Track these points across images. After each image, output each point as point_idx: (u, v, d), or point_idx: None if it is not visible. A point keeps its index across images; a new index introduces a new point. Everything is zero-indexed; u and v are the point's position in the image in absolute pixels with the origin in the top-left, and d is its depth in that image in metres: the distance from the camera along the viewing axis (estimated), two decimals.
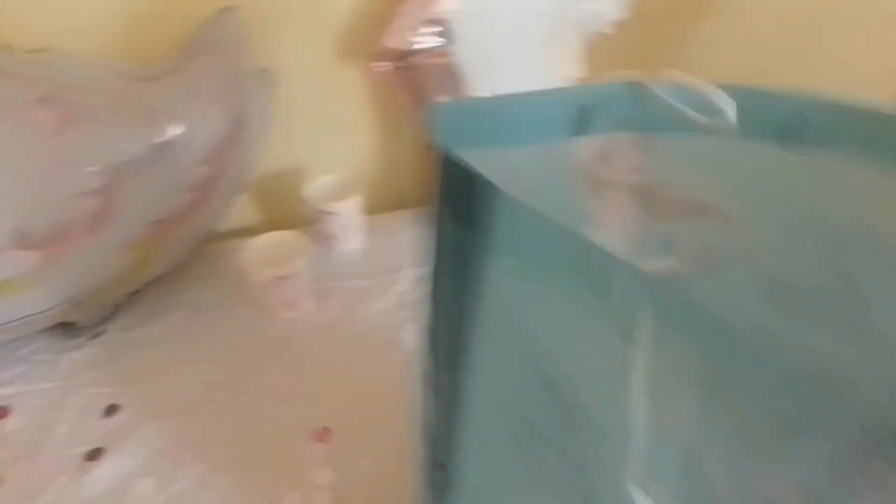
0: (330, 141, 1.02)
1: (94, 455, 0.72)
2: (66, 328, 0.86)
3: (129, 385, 0.80)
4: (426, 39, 0.87)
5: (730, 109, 0.35)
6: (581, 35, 0.88)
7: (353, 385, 0.78)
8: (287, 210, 1.02)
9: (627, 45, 0.87)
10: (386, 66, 0.89)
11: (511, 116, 0.34)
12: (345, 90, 0.98)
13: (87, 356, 0.85)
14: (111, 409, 0.77)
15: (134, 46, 0.82)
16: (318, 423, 0.74)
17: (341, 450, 0.72)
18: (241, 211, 1.02)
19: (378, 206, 1.00)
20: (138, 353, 0.85)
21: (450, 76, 0.89)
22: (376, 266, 0.95)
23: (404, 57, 0.88)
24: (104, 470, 0.71)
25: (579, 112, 0.32)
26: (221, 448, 0.72)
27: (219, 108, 0.79)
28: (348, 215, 0.95)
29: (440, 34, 0.87)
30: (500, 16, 0.84)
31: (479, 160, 0.30)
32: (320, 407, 0.76)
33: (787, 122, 0.34)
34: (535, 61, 0.87)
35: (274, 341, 0.85)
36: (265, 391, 0.79)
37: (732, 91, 0.35)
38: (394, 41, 0.87)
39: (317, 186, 0.96)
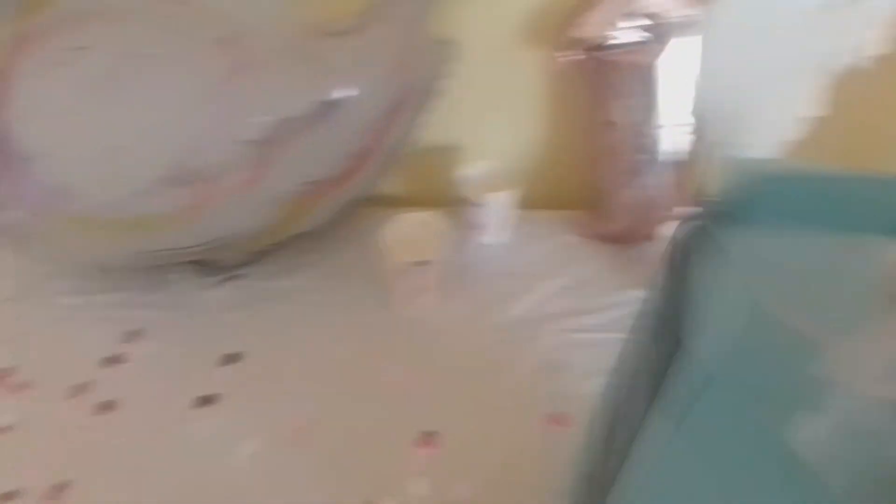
0: (493, 125, 0.95)
1: (206, 401, 0.73)
2: (206, 266, 0.88)
3: (253, 337, 0.80)
4: (625, 34, 0.78)
5: None
6: (830, 70, 0.74)
7: (469, 393, 0.73)
8: (435, 188, 0.97)
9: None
10: (575, 56, 0.81)
11: (837, 194, 0.26)
12: (520, 75, 0.90)
13: (221, 297, 0.86)
14: (231, 358, 0.77)
15: None
16: (427, 427, 0.70)
17: (444, 463, 0.67)
18: (390, 180, 0.98)
19: (530, 201, 0.93)
20: (268, 306, 0.84)
21: (643, 77, 0.79)
22: (517, 267, 0.89)
23: (597, 49, 0.79)
24: (211, 420, 0.71)
25: None
26: (327, 430, 0.70)
27: (393, 78, 0.75)
28: (499, 209, 0.89)
29: (644, 30, 0.77)
30: (750, 33, 0.72)
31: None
32: (432, 408, 0.72)
33: None
34: (775, 90, 0.75)
35: (399, 326, 0.81)
36: (381, 377, 0.75)
37: None
38: (589, 31, 0.78)
39: (471, 172, 0.90)
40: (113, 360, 0.78)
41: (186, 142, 0.70)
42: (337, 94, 0.72)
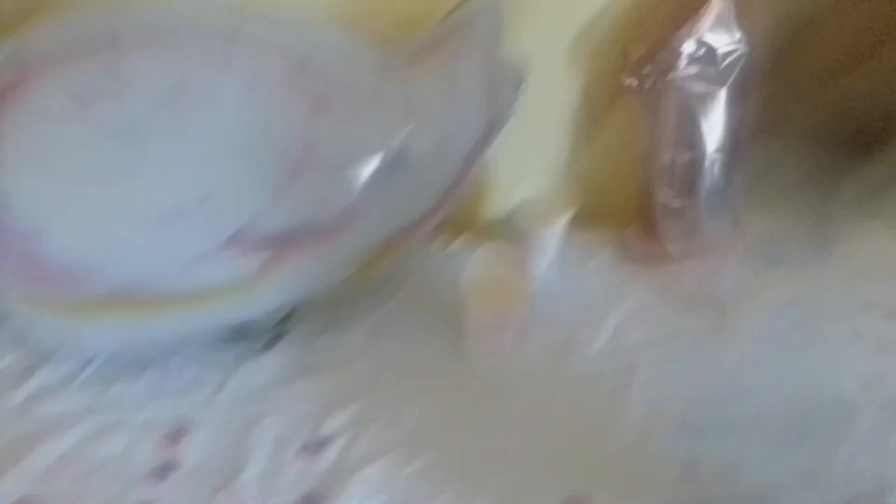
0: (541, 144, 0.90)
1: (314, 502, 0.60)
2: (235, 334, 0.73)
3: (336, 410, 0.67)
4: (687, 62, 0.76)
5: None
6: None
7: (594, 450, 0.66)
8: (483, 215, 0.91)
9: None
10: (634, 79, 0.78)
11: None
12: (567, 95, 0.86)
13: (270, 367, 0.72)
14: (318, 446, 0.65)
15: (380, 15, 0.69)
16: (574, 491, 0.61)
17: None
18: None
19: (579, 221, 0.88)
20: (326, 374, 0.72)
21: (699, 106, 0.78)
22: (580, 297, 0.83)
23: (660, 74, 0.77)
24: None
25: None
26: None
27: (478, 112, 0.67)
28: (551, 240, 0.84)
29: (705, 61, 0.76)
30: None
31: None
32: (567, 472, 0.64)
33: None
34: None
35: (484, 380, 0.73)
36: (473, 445, 0.66)
37: None
38: (649, 54, 0.76)
39: (521, 205, 0.84)
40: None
41: (254, 201, 0.58)
42: (421, 138, 0.63)
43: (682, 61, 0.76)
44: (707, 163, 0.81)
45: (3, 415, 0.66)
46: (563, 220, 0.83)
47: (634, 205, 0.88)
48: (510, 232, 0.83)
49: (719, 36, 0.76)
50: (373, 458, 0.64)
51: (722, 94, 0.78)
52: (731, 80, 0.78)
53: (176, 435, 0.65)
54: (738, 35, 0.76)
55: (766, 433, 0.59)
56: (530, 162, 0.90)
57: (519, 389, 0.73)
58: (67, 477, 0.61)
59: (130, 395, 0.69)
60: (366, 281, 0.72)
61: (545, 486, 0.63)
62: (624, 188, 0.90)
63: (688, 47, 0.76)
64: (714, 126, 0.80)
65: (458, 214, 0.92)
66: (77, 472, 0.61)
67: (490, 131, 0.70)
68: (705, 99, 0.78)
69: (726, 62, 0.77)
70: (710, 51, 0.76)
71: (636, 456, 0.65)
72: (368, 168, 0.61)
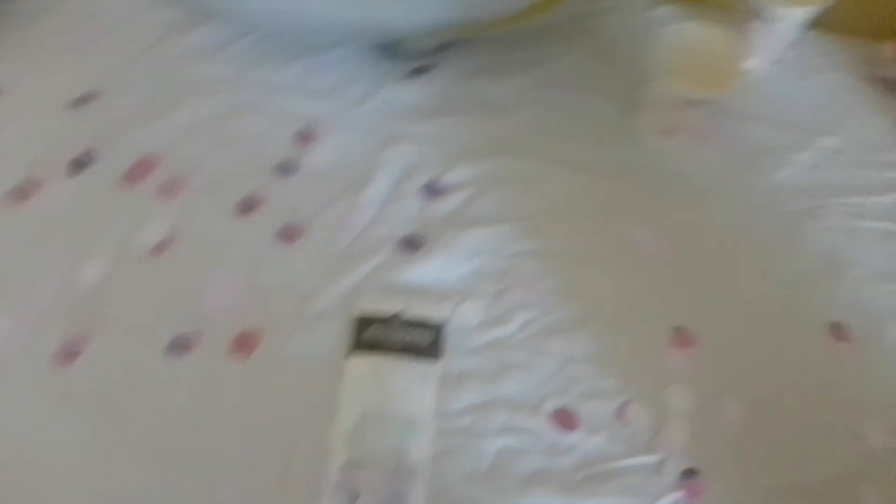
0: None
1: (413, 245, 0.58)
2: (389, 50, 0.66)
3: (474, 157, 0.62)
4: None
5: None
6: None
7: (731, 280, 0.58)
8: None
9: None
10: None
11: None
12: None
13: (418, 93, 0.66)
14: (433, 189, 0.60)
15: None
16: (681, 320, 0.55)
17: (705, 369, 0.54)
18: None
19: (830, 23, 0.68)
20: (471, 116, 0.65)
21: None
22: (787, 111, 0.68)
23: None
24: (422, 264, 0.57)
25: None
26: (563, 296, 0.56)
27: None
28: (791, 29, 0.65)
29: None
30: None
31: None
32: (687, 294, 0.57)
33: None
34: None
35: (647, 171, 0.63)
36: (626, 235, 0.59)
37: None
38: None
39: None
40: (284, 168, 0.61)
41: None
42: None
43: None
44: None
45: (159, 64, 0.66)
46: (812, 8, 0.63)
47: None
48: (742, 3, 0.65)
49: None
50: (488, 221, 0.59)
51: None
52: None
53: (308, 135, 0.63)
54: None
55: None
56: None
57: (683, 191, 0.62)
58: (198, 145, 0.61)
59: (276, 80, 0.66)
60: (545, 19, 0.60)
61: (656, 305, 0.56)
62: None
63: None
64: None
65: None
66: (205, 143, 0.61)
67: None
68: None
69: None
70: None
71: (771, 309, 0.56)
72: None
